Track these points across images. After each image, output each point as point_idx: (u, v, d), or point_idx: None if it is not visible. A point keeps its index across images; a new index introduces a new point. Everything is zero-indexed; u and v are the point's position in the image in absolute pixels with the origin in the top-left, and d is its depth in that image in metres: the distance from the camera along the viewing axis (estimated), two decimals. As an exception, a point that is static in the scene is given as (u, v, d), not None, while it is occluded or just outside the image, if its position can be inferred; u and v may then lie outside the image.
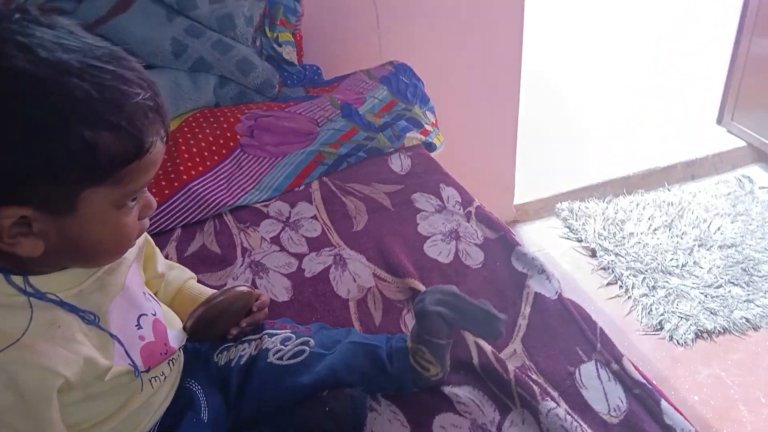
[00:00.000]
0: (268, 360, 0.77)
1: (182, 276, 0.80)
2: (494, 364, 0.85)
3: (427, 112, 1.52)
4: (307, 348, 0.79)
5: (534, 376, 0.86)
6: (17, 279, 0.55)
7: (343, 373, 0.77)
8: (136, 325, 0.66)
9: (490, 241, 1.12)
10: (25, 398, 0.53)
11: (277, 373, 0.76)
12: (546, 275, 1.03)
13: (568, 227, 2.18)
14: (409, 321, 0.95)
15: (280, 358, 0.78)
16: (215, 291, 0.78)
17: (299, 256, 1.11)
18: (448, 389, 0.83)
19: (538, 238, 2.13)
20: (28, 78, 0.47)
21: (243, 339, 0.79)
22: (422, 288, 0.99)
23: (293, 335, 0.81)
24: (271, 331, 0.82)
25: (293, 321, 0.87)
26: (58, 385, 0.55)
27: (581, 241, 2.11)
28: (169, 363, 0.69)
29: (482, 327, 0.81)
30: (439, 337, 0.81)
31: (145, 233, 0.71)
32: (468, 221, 1.17)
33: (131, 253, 0.67)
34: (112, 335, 0.61)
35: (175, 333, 0.71)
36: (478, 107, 1.96)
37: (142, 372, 0.64)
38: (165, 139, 0.56)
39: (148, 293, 0.71)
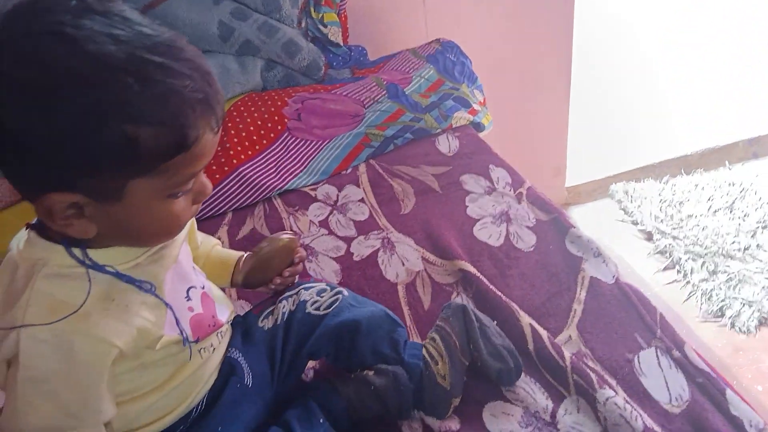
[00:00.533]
0: (306, 311, 0.78)
1: (209, 243, 0.82)
2: (550, 350, 0.82)
3: (475, 91, 1.48)
4: (341, 296, 0.80)
5: (591, 364, 0.83)
6: (76, 251, 0.56)
7: (363, 329, 0.77)
8: (186, 297, 0.66)
9: (542, 224, 1.09)
10: (77, 367, 0.55)
11: (315, 322, 0.77)
12: (602, 259, 0.99)
13: (623, 209, 2.11)
14: (459, 305, 0.93)
15: (318, 309, 0.79)
16: (244, 252, 0.81)
17: (347, 240, 1.11)
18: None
19: (592, 221, 2.06)
20: (70, 73, 0.46)
21: (281, 297, 0.80)
22: (473, 270, 0.97)
23: (328, 287, 0.82)
24: (306, 285, 0.83)
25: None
26: (112, 357, 0.56)
27: (637, 223, 2.04)
28: (217, 335, 0.70)
29: (496, 361, 0.80)
30: (452, 327, 0.80)
31: None
32: (519, 203, 1.14)
33: (184, 230, 0.67)
34: (166, 303, 0.62)
35: (222, 307, 0.72)
36: (527, 85, 1.91)
37: (190, 342, 0.65)
38: (216, 129, 0.55)
39: (196, 268, 0.72)
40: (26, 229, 0.59)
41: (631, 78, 2.82)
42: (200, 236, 0.81)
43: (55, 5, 0.48)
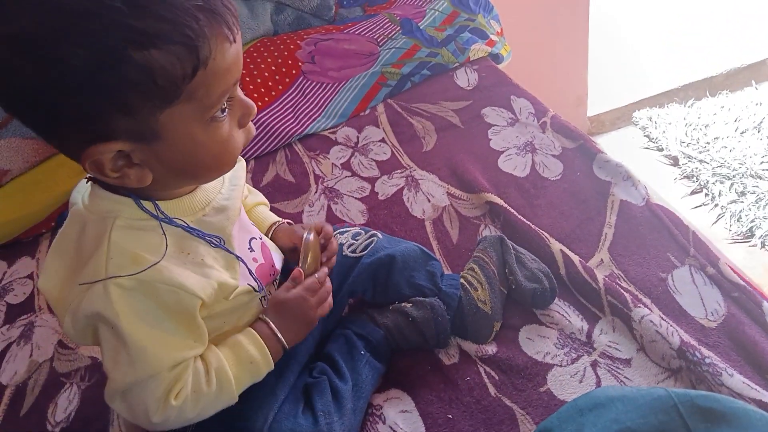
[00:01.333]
0: (344, 254, 0.79)
1: (253, 198, 0.80)
2: (582, 274, 0.82)
3: (491, 21, 1.44)
4: (375, 238, 0.81)
5: (624, 285, 0.83)
6: (147, 204, 0.56)
7: (399, 263, 0.77)
8: (249, 248, 0.67)
9: (568, 151, 1.07)
10: (167, 312, 0.56)
11: (352, 263, 0.78)
12: (632, 182, 0.98)
13: (648, 136, 2.06)
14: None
15: (354, 251, 0.80)
16: (279, 221, 0.78)
17: (371, 180, 1.10)
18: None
19: (616, 150, 2.01)
20: (57, 12, 0.44)
21: None
22: (500, 202, 0.96)
23: (362, 231, 0.82)
24: (341, 229, 0.84)
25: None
26: (197, 307, 0.57)
27: (662, 149, 2.00)
28: (274, 282, 0.71)
29: (531, 283, 0.80)
30: (490, 257, 0.81)
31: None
32: (543, 132, 1.12)
33: (241, 180, 0.67)
34: (237, 256, 0.62)
35: (276, 254, 0.72)
36: (544, 12, 1.84)
37: (260, 291, 0.66)
38: (233, 38, 0.50)
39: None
40: (87, 182, 0.58)
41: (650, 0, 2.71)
42: (252, 193, 0.81)
43: None
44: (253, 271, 0.65)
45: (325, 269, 0.70)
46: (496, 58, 1.39)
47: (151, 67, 0.46)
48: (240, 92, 0.56)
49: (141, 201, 0.56)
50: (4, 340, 0.92)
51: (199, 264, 0.58)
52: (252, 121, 0.59)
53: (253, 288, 0.65)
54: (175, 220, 0.57)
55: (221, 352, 0.61)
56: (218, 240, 0.60)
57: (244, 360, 0.62)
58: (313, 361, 0.74)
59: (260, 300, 0.67)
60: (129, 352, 0.54)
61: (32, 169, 1.11)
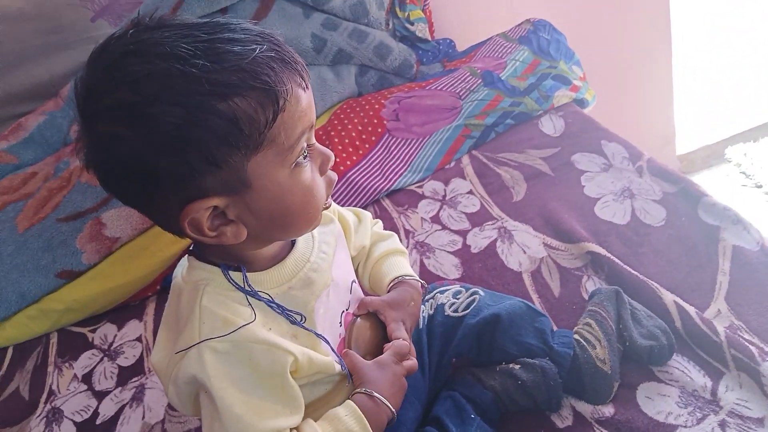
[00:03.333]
0: (446, 314, 0.78)
1: (384, 248, 0.80)
2: (701, 327, 0.77)
3: (573, 67, 1.43)
4: (477, 296, 0.79)
5: (747, 336, 0.78)
6: (235, 276, 0.59)
7: (504, 321, 0.75)
8: (339, 323, 0.68)
9: (670, 196, 1.03)
10: (261, 373, 0.57)
11: (455, 324, 0.77)
12: (743, 225, 0.92)
13: (744, 173, 1.96)
14: (590, 288, 0.90)
15: (456, 311, 0.78)
16: (399, 276, 0.77)
17: (462, 233, 1.10)
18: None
19: (711, 189, 1.93)
20: (150, 80, 0.48)
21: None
22: (603, 251, 0.93)
23: (463, 288, 0.81)
24: (441, 288, 0.82)
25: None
26: (289, 363, 0.57)
27: (761, 186, 1.89)
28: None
29: (647, 340, 0.76)
30: (607, 311, 0.77)
31: (335, 219, 0.73)
32: (640, 177, 1.08)
33: (330, 247, 0.68)
34: (317, 335, 0.63)
35: None
36: (626, 53, 1.81)
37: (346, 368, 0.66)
38: (305, 86, 0.54)
39: (355, 282, 0.73)
40: (186, 256, 0.62)
41: (735, 31, 2.62)
42: (385, 240, 0.81)
43: (114, 38, 0.51)
44: (335, 348, 0.65)
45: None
46: (581, 103, 1.37)
47: (235, 116, 0.49)
48: (316, 141, 0.59)
49: (230, 272, 0.58)
50: (118, 402, 0.96)
51: (279, 341, 0.58)
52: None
53: (340, 365, 0.65)
54: (259, 293, 0.59)
55: (319, 426, 0.61)
56: (299, 317, 0.61)
57: None
58: (422, 425, 0.73)
59: (349, 379, 0.66)
60: (222, 419, 0.55)
61: (139, 236, 1.17)
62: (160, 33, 0.50)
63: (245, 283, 0.58)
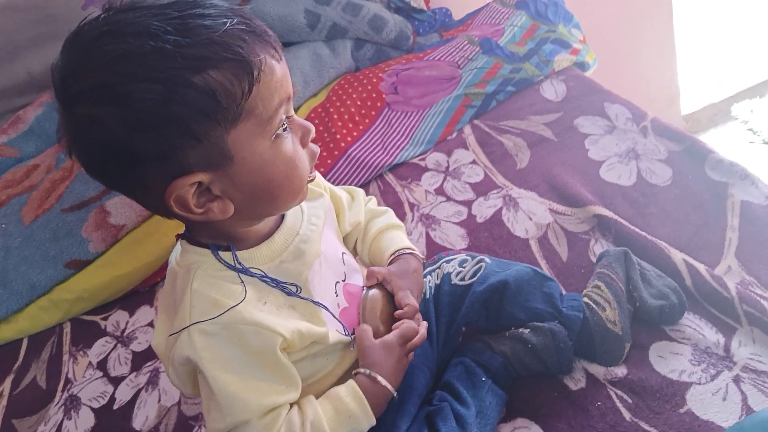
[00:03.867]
0: (452, 282, 0.78)
1: (381, 224, 0.80)
2: (711, 283, 0.77)
3: (572, 30, 1.40)
4: (483, 263, 0.78)
5: (759, 291, 0.77)
6: (225, 255, 0.59)
7: (512, 287, 0.74)
8: (334, 293, 0.68)
9: (675, 154, 1.01)
10: (252, 353, 0.57)
11: (463, 292, 0.76)
12: (751, 180, 0.92)
13: (751, 129, 1.94)
14: (598, 251, 0.89)
15: (462, 279, 0.78)
16: (399, 249, 0.77)
17: (467, 203, 1.09)
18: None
19: (718, 148, 1.91)
20: (122, 58, 0.48)
21: (424, 273, 0.80)
22: (609, 214, 0.92)
23: (468, 257, 0.80)
24: (447, 257, 0.82)
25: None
26: (278, 343, 0.58)
27: (768, 141, 1.87)
28: None
29: (657, 300, 0.75)
30: (615, 273, 0.76)
31: (326, 194, 0.73)
32: (645, 137, 1.07)
33: (320, 219, 0.68)
34: (315, 302, 0.63)
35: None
36: (625, 12, 1.78)
37: (349, 334, 0.67)
38: (278, 57, 0.55)
39: (345, 253, 0.73)
40: (177, 240, 0.62)
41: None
42: (380, 215, 0.81)
43: (87, 23, 0.51)
44: (336, 315, 0.66)
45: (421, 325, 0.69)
46: (582, 66, 1.35)
47: (211, 88, 0.49)
48: (295, 114, 0.59)
49: (220, 252, 0.58)
50: (133, 387, 0.96)
51: (275, 314, 0.59)
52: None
53: (340, 332, 0.65)
54: (251, 270, 0.59)
55: (320, 404, 0.61)
56: (294, 288, 0.61)
57: (342, 413, 0.62)
58: (432, 392, 0.73)
59: (352, 345, 0.67)
60: (217, 398, 0.56)
61: (144, 222, 1.17)
62: (132, 14, 0.50)
63: (235, 261, 0.58)
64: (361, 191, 0.82)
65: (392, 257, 0.75)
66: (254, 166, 0.54)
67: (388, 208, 0.83)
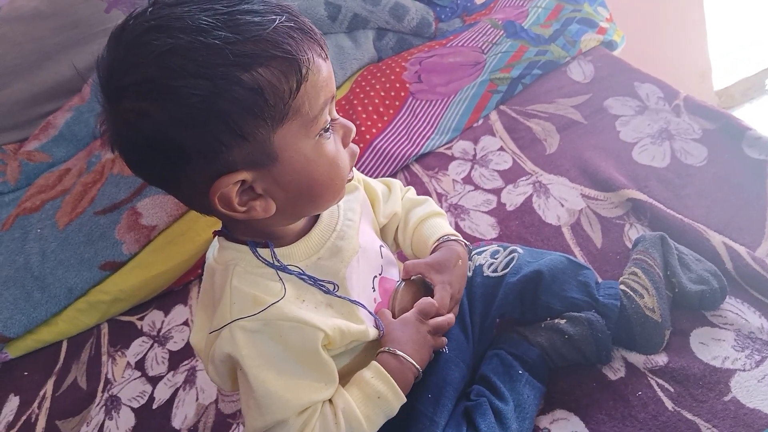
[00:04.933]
0: (485, 274, 0.77)
1: (422, 213, 0.79)
2: (753, 266, 0.74)
3: (598, 8, 1.37)
4: (516, 254, 0.77)
5: (804, 273, 0.74)
6: (263, 252, 0.59)
7: (546, 277, 0.73)
8: (372, 288, 0.67)
9: (710, 133, 0.98)
10: (292, 348, 0.57)
11: (496, 284, 0.75)
12: (792, 157, 0.88)
13: (787, 102, 1.88)
14: (634, 236, 0.87)
15: (495, 270, 0.77)
16: (442, 236, 0.75)
17: (496, 191, 1.07)
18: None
19: (754, 124, 1.85)
20: (171, 53, 0.47)
21: None
22: (644, 197, 0.90)
23: (500, 248, 0.79)
24: (478, 249, 0.81)
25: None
26: (320, 340, 0.58)
27: (807, 114, 1.80)
28: None
29: (697, 285, 0.73)
30: (653, 258, 0.74)
31: (360, 187, 0.73)
32: (678, 116, 1.04)
33: (356, 214, 0.68)
34: (352, 301, 0.63)
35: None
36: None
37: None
38: (324, 56, 0.54)
39: (383, 246, 0.72)
40: (215, 237, 0.62)
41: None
42: (420, 205, 0.79)
43: (133, 17, 0.50)
44: (372, 312, 0.65)
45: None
46: (610, 45, 1.32)
47: (260, 86, 0.49)
48: (337, 114, 0.59)
49: (258, 249, 0.58)
50: (171, 386, 0.98)
51: (313, 311, 0.59)
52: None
53: (380, 330, 0.65)
54: (289, 267, 0.59)
55: (348, 391, 0.61)
56: (331, 286, 0.61)
57: (371, 396, 0.61)
58: (469, 386, 0.72)
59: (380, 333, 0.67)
60: (256, 396, 0.56)
61: (176, 222, 1.19)
62: (180, 8, 0.49)
63: (274, 258, 0.58)
64: (398, 182, 0.81)
65: (435, 245, 0.74)
66: (298, 165, 0.54)
67: (428, 198, 0.81)
